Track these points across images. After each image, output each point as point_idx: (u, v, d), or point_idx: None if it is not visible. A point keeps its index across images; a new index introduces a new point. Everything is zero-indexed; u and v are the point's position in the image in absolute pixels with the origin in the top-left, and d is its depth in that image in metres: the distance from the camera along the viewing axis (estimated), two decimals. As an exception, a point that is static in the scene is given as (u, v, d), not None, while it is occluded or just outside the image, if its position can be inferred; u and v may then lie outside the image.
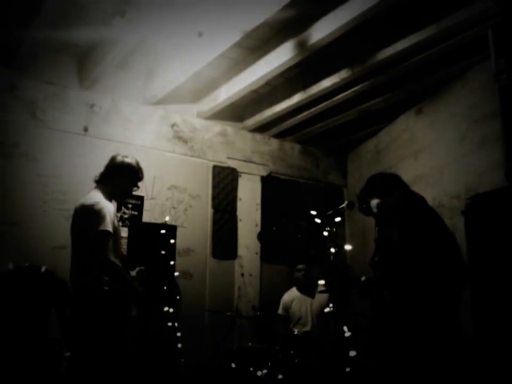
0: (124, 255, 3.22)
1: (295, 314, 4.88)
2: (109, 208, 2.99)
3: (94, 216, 2.90)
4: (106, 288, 2.85)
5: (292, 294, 5.01)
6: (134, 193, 3.37)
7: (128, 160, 3.19)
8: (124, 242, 4.43)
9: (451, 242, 2.75)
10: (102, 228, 2.87)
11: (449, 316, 2.61)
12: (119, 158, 3.18)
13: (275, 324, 5.00)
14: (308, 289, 4.91)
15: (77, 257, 2.98)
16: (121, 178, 3.16)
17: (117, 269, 2.90)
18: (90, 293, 2.84)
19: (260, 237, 3.15)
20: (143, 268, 3.24)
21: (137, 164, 3.23)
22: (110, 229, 2.90)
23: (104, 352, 2.80)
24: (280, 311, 5.00)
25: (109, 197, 3.12)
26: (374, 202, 3.06)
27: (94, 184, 3.19)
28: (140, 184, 3.29)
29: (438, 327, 2.57)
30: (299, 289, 4.97)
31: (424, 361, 2.55)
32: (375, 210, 3.06)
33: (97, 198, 3.01)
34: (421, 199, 2.91)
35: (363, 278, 2.82)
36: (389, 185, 3.00)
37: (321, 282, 3.97)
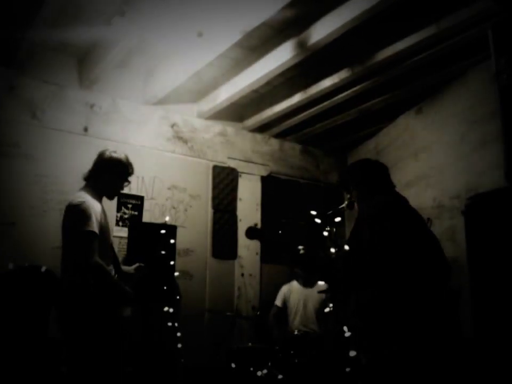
0: (116, 255, 3.18)
1: (293, 307, 4.89)
2: (95, 207, 2.89)
3: (79, 216, 2.81)
4: (95, 289, 2.79)
5: (290, 286, 5.02)
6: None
7: (116, 155, 3.08)
8: (124, 242, 4.46)
9: (432, 245, 2.73)
10: (86, 228, 2.77)
11: (432, 315, 2.60)
12: (107, 154, 3.07)
13: (269, 314, 5.00)
14: (307, 283, 4.92)
15: (65, 257, 2.92)
16: (110, 174, 3.05)
17: (101, 270, 2.79)
18: (78, 294, 2.78)
19: (248, 233, 3.11)
20: (142, 264, 3.20)
21: (127, 158, 3.12)
22: (95, 229, 2.80)
23: (96, 352, 2.75)
24: (277, 302, 5.01)
25: (99, 195, 3.04)
26: (351, 192, 3.06)
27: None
28: (130, 179, 3.19)
29: (420, 326, 2.57)
30: (299, 282, 4.99)
31: (406, 363, 2.54)
32: (352, 201, 3.06)
33: (83, 197, 2.91)
34: (403, 203, 2.87)
35: None
36: (370, 186, 2.97)
37: (321, 282, 3.98)
